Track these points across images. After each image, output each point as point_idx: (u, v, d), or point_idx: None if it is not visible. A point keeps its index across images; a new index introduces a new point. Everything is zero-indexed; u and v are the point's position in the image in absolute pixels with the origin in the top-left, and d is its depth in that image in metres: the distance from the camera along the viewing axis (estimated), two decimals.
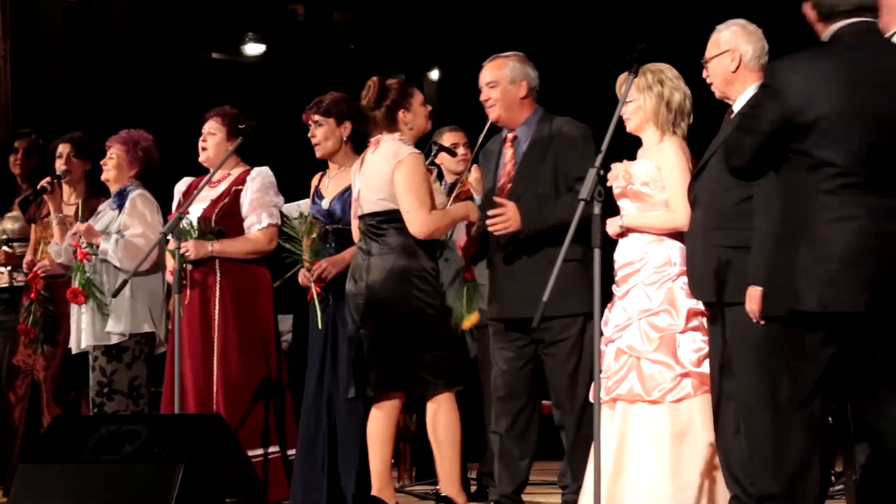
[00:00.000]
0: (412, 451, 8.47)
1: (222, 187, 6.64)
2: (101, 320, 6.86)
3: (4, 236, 7.79)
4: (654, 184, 5.60)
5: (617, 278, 5.69)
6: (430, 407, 5.79)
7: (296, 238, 6.34)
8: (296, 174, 7.53)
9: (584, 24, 11.08)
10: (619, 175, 5.65)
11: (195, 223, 6.52)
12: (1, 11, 10.01)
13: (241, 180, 6.63)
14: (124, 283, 6.31)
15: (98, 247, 6.90)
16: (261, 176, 6.61)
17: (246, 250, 6.55)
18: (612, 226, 5.66)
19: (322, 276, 6.22)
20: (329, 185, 6.43)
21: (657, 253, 5.59)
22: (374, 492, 5.81)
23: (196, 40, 11.38)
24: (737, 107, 5.23)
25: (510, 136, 6.02)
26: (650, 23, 10.14)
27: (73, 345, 7.06)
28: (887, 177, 4.20)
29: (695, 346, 5.50)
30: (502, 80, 5.96)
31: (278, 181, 6.67)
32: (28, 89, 9.98)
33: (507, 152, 6.00)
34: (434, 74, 12.40)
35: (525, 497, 6.12)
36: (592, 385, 5.58)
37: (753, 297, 4.76)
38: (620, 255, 5.68)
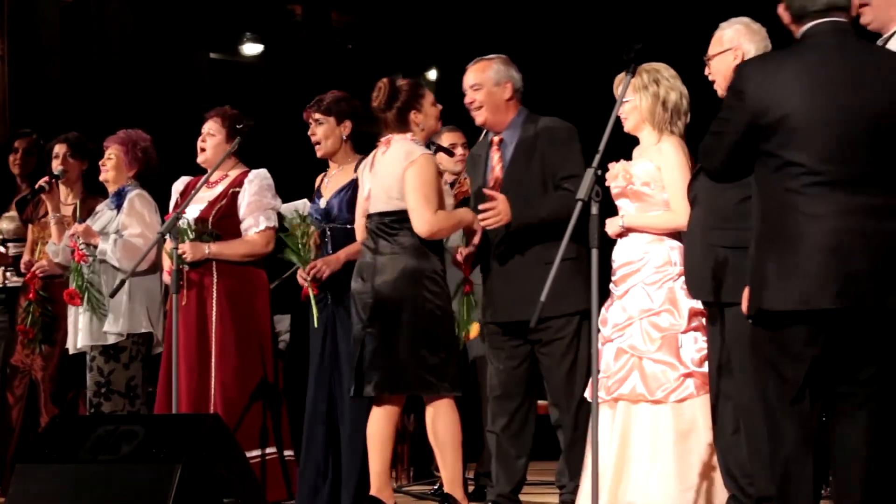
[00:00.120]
0: (410, 452, 8.48)
1: (220, 188, 6.63)
2: (98, 321, 6.87)
3: (0, 236, 7.79)
4: (655, 184, 5.60)
5: (615, 278, 5.68)
6: (430, 410, 5.79)
7: (292, 239, 6.35)
8: (294, 174, 7.54)
9: (582, 24, 11.07)
10: (619, 175, 5.66)
11: (192, 224, 6.51)
12: None
13: (238, 182, 6.62)
14: (122, 282, 6.31)
15: (96, 247, 6.90)
16: (258, 178, 6.61)
17: (243, 253, 6.54)
18: (613, 225, 5.66)
19: (316, 276, 6.22)
20: (328, 185, 6.43)
21: (657, 253, 5.59)
22: (372, 492, 5.81)
23: (194, 40, 11.38)
24: None
25: (496, 139, 6.03)
26: (648, 22, 10.13)
27: (70, 345, 7.06)
28: (855, 174, 4.21)
29: (697, 346, 5.50)
30: (487, 83, 5.97)
31: (276, 181, 6.67)
32: (26, 89, 9.98)
33: (494, 156, 6.01)
34: (432, 74, 12.39)
35: (523, 497, 6.12)
36: (589, 384, 5.60)
37: (746, 297, 4.78)
38: (619, 255, 5.68)
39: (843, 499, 4.30)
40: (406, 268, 5.69)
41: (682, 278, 5.48)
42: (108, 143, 7.12)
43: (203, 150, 6.64)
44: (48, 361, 7.33)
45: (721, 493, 5.38)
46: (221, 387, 6.42)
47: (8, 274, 7.75)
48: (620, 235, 5.69)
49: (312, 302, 6.26)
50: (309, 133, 6.41)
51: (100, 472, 5.29)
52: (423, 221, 5.66)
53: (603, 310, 5.61)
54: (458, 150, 7.12)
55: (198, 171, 6.72)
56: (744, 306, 4.85)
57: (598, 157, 4.73)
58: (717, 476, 5.38)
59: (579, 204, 4.62)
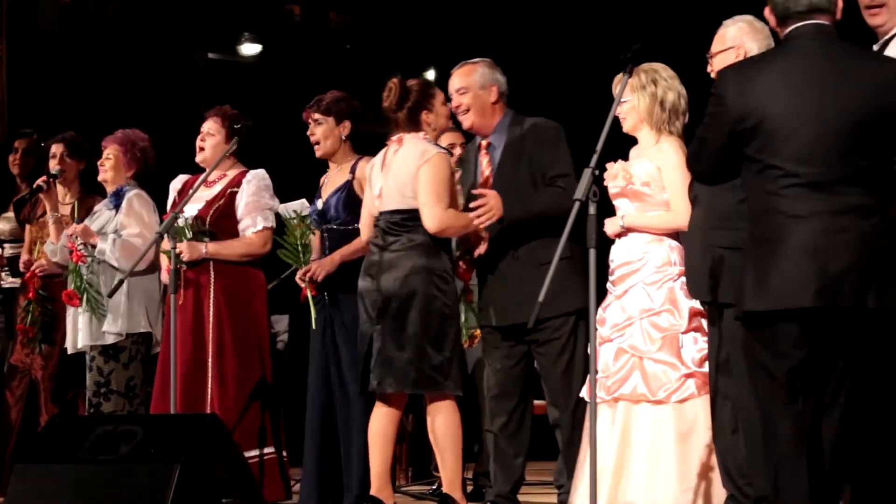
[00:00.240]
0: (408, 452, 8.48)
1: (218, 188, 6.63)
2: (97, 321, 6.87)
3: None
4: (655, 183, 5.60)
5: (613, 277, 5.68)
6: (432, 409, 5.79)
7: (292, 239, 6.35)
8: (292, 174, 7.54)
9: (580, 24, 11.08)
10: (619, 175, 5.65)
11: (190, 223, 6.51)
12: None
13: (236, 182, 6.62)
14: (120, 282, 6.31)
15: (94, 247, 6.90)
16: (256, 179, 6.61)
17: (240, 253, 6.54)
18: (612, 225, 5.66)
19: (312, 278, 6.22)
20: (326, 185, 6.44)
21: (657, 253, 5.59)
22: (372, 491, 5.81)
23: (192, 40, 11.37)
24: None
25: (484, 143, 6.05)
26: (647, 21, 10.14)
27: (69, 345, 7.06)
28: (833, 175, 4.24)
29: (697, 346, 5.50)
30: (472, 86, 5.99)
31: (274, 181, 6.67)
32: (25, 89, 9.98)
33: (483, 160, 6.04)
34: (430, 75, 12.39)
35: (521, 497, 6.13)
36: (586, 384, 5.60)
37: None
38: (618, 255, 5.68)
39: (819, 495, 4.33)
40: (416, 265, 5.69)
41: (683, 278, 5.48)
42: (107, 143, 7.12)
43: (202, 149, 6.64)
44: (48, 361, 7.33)
45: (720, 493, 5.37)
46: (219, 387, 6.42)
47: (3, 275, 7.75)
48: (619, 235, 5.69)
49: (311, 304, 6.27)
50: (308, 133, 6.41)
51: (98, 472, 5.30)
52: (433, 217, 5.67)
53: (600, 310, 5.60)
54: (457, 150, 7.12)
55: (196, 171, 6.72)
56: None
57: (595, 157, 4.73)
58: (716, 476, 5.38)
59: (577, 204, 4.62)
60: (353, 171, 6.32)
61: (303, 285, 6.27)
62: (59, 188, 7.40)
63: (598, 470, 4.83)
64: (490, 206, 5.78)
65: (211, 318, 6.47)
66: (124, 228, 6.91)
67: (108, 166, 7.08)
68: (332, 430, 6.32)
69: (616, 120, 5.09)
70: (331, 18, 12.35)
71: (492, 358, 6.03)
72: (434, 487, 7.56)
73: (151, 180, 7.16)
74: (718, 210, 5.17)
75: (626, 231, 5.66)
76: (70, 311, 7.03)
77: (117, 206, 6.99)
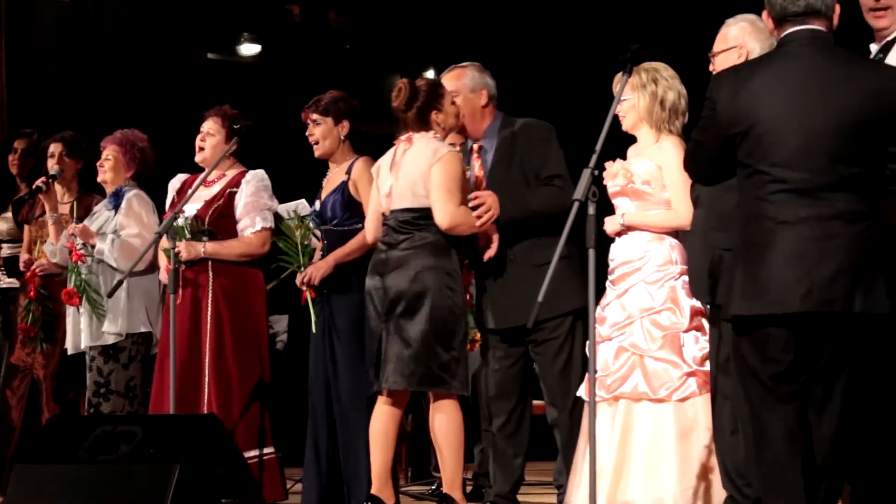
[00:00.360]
0: (408, 452, 8.48)
1: (217, 188, 6.63)
2: (97, 321, 6.86)
3: None
4: (655, 182, 5.60)
5: (613, 277, 5.68)
6: (435, 408, 5.80)
7: (290, 240, 6.35)
8: (292, 174, 7.53)
9: (580, 24, 11.08)
10: (619, 174, 5.65)
11: (189, 223, 6.51)
12: None
13: (235, 182, 6.61)
14: (119, 282, 6.31)
15: (94, 247, 6.90)
16: (255, 179, 6.60)
17: (238, 253, 6.53)
18: (612, 224, 5.66)
19: (309, 283, 6.23)
20: (326, 185, 6.43)
21: (658, 251, 5.59)
22: (373, 490, 5.81)
23: (192, 40, 11.37)
24: None
25: (475, 146, 6.06)
26: (648, 21, 10.14)
27: (69, 345, 7.06)
28: (820, 182, 4.25)
29: (699, 345, 5.50)
30: (462, 90, 6.02)
31: (273, 181, 6.67)
32: (24, 89, 9.97)
33: (475, 164, 6.06)
34: (430, 75, 12.39)
35: (520, 497, 6.13)
36: (584, 383, 5.60)
37: None
38: (618, 254, 5.67)
39: (812, 497, 4.34)
40: (426, 264, 5.71)
41: (684, 277, 5.48)
42: (106, 143, 7.11)
43: (202, 148, 6.63)
44: (49, 360, 7.33)
45: (719, 493, 5.37)
46: (217, 387, 6.41)
47: (0, 275, 7.75)
48: (619, 234, 5.69)
49: (311, 307, 6.27)
50: (307, 133, 6.41)
51: (98, 472, 5.30)
52: (445, 214, 5.68)
53: (599, 309, 5.60)
54: (457, 150, 7.13)
55: (195, 170, 6.71)
56: None
57: (595, 156, 4.73)
58: (716, 476, 5.37)
59: (576, 204, 4.62)
60: (349, 171, 6.32)
61: (304, 289, 6.28)
62: (58, 188, 7.39)
63: (598, 469, 4.82)
64: (489, 205, 5.80)
65: (209, 318, 6.46)
66: (123, 229, 6.91)
67: (108, 167, 7.07)
68: (332, 431, 6.31)
69: (614, 119, 5.08)
70: (330, 18, 12.35)
71: (490, 359, 6.03)
72: (434, 487, 7.56)
73: (151, 180, 7.15)
74: (719, 211, 5.18)
75: (626, 230, 5.65)
76: (70, 311, 7.03)
77: (116, 207, 6.98)
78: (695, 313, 5.52)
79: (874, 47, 4.96)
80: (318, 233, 6.42)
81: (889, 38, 4.89)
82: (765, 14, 4.46)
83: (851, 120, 4.24)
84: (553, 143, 5.97)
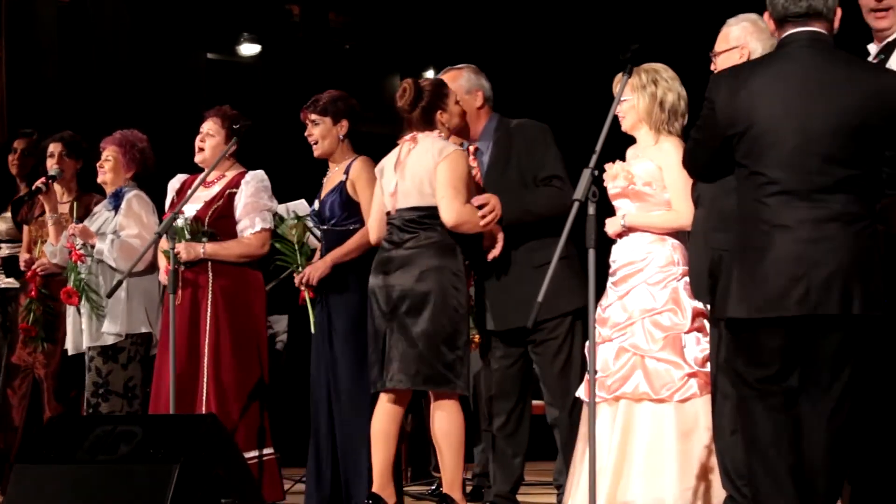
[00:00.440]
0: (408, 452, 8.48)
1: (216, 188, 6.62)
2: (97, 321, 6.86)
3: None
4: (656, 183, 5.60)
5: (615, 278, 5.67)
6: (436, 407, 5.80)
7: (288, 240, 6.35)
8: (292, 174, 7.53)
9: (580, 25, 11.08)
10: (620, 175, 5.65)
11: (188, 223, 6.50)
12: None
13: (235, 183, 6.61)
14: (119, 283, 6.31)
15: (93, 247, 6.90)
16: (255, 180, 6.60)
17: (238, 254, 6.53)
18: (613, 225, 5.66)
19: (306, 283, 6.23)
20: (325, 185, 6.43)
21: (660, 252, 5.59)
22: (374, 489, 5.82)
23: (191, 40, 11.37)
24: None
25: (471, 148, 6.07)
26: (648, 21, 10.14)
27: (69, 346, 7.05)
28: (816, 184, 4.25)
29: (700, 346, 5.49)
30: (458, 91, 6.04)
31: (273, 181, 6.67)
32: (24, 89, 9.97)
33: (472, 165, 6.04)
34: (429, 75, 12.39)
35: (520, 497, 6.13)
36: (583, 383, 5.60)
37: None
38: (620, 255, 5.67)
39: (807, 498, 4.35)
40: (432, 263, 5.72)
41: (686, 278, 5.48)
42: (105, 144, 7.11)
43: (201, 149, 6.63)
44: (50, 359, 7.33)
45: (719, 493, 5.37)
46: (216, 387, 6.40)
47: None
48: (620, 235, 5.69)
49: (309, 307, 6.27)
50: (306, 134, 6.41)
51: (98, 472, 5.30)
52: (451, 211, 5.69)
53: (600, 310, 5.60)
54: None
55: (194, 171, 6.71)
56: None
57: (594, 157, 4.73)
58: (715, 476, 5.37)
59: (576, 204, 4.62)
60: (347, 171, 6.31)
61: (302, 289, 6.28)
62: (57, 188, 7.39)
63: (597, 470, 4.82)
64: (492, 206, 5.80)
65: (208, 319, 6.46)
66: (123, 229, 6.91)
67: (108, 168, 7.07)
68: (333, 431, 6.31)
69: (614, 119, 5.08)
70: (330, 19, 12.35)
71: (489, 359, 6.04)
72: (434, 487, 7.56)
73: (150, 181, 7.15)
74: (719, 211, 5.17)
75: (627, 231, 5.65)
76: (70, 311, 7.02)
77: (116, 207, 6.98)
78: (696, 314, 5.51)
79: (872, 48, 4.96)
80: (318, 232, 6.43)
81: (890, 39, 4.88)
82: (766, 14, 4.47)
83: (850, 122, 4.24)
84: (550, 143, 5.98)
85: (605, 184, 5.63)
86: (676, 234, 5.61)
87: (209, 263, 6.50)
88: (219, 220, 6.54)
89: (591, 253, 4.63)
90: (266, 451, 6.47)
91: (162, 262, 6.58)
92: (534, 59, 11.18)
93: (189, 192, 6.43)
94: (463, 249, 5.85)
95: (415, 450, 8.42)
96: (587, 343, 5.40)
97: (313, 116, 6.37)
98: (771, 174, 4.27)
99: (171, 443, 5.24)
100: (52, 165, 7.36)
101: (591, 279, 4.66)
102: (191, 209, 6.52)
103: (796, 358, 4.32)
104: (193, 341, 6.44)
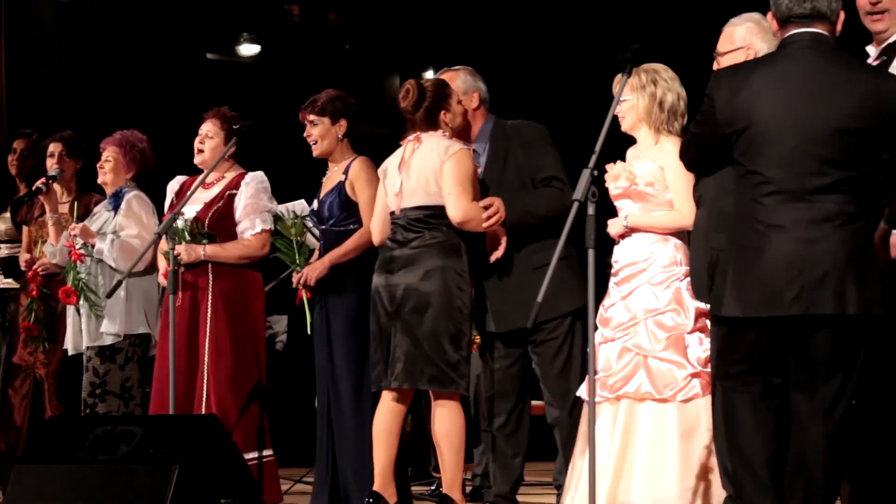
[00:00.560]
0: (408, 452, 8.48)
1: (216, 190, 6.62)
2: (95, 321, 6.86)
3: None
4: (658, 183, 5.59)
5: (617, 279, 5.66)
6: (437, 406, 5.80)
7: (286, 237, 6.35)
8: (291, 175, 7.53)
9: (580, 25, 11.08)
10: (622, 176, 5.64)
11: (188, 225, 6.50)
12: None
13: (235, 184, 6.61)
14: (118, 283, 6.31)
15: (93, 247, 6.90)
16: (255, 181, 6.60)
17: (238, 255, 6.53)
18: (615, 226, 5.66)
19: (304, 284, 6.23)
20: (324, 185, 6.43)
21: (663, 253, 5.58)
22: (375, 487, 5.82)
23: (191, 40, 11.38)
24: None
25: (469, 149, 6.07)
26: (648, 20, 10.14)
27: (69, 346, 7.05)
28: (812, 185, 4.26)
29: (702, 346, 5.48)
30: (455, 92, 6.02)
31: (273, 182, 6.66)
32: (23, 89, 9.97)
33: None
34: (429, 75, 12.40)
35: (520, 497, 6.13)
36: (584, 383, 5.60)
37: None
38: (623, 255, 5.66)
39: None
40: (436, 263, 5.73)
41: (689, 278, 5.48)
42: (105, 145, 7.11)
43: (201, 151, 6.62)
44: (51, 358, 7.33)
45: (719, 493, 5.37)
46: (216, 388, 6.40)
47: None
48: (622, 236, 5.68)
49: (306, 308, 6.27)
50: (305, 134, 6.41)
51: (98, 472, 5.30)
52: (457, 208, 5.70)
53: (602, 310, 5.60)
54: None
55: (194, 171, 6.71)
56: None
57: (594, 157, 4.74)
58: (715, 476, 5.37)
59: (575, 205, 4.63)
60: (346, 171, 6.31)
61: (300, 289, 6.28)
62: (57, 188, 7.39)
63: (598, 470, 4.82)
64: (497, 208, 5.80)
65: (208, 320, 6.46)
66: (123, 229, 6.91)
67: (108, 168, 7.07)
68: (333, 431, 6.31)
69: (614, 120, 5.08)
70: (330, 19, 12.36)
71: (489, 359, 6.04)
72: (433, 488, 7.56)
73: (150, 181, 7.15)
74: (719, 212, 5.17)
75: (629, 231, 5.65)
76: (70, 312, 7.02)
77: (116, 208, 6.98)
78: (699, 314, 5.51)
79: (871, 49, 4.96)
80: (317, 232, 6.43)
81: (890, 41, 4.88)
82: (769, 14, 4.47)
83: (849, 124, 4.24)
84: (547, 144, 5.98)
85: (606, 184, 5.63)
86: (679, 234, 5.61)
87: (209, 265, 6.49)
88: (219, 222, 6.54)
89: (591, 253, 4.64)
90: (265, 452, 6.46)
91: (161, 263, 6.58)
92: (533, 59, 11.18)
93: (188, 193, 6.42)
94: (467, 250, 5.86)
95: (415, 450, 8.42)
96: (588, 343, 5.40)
97: (311, 117, 6.37)
98: (768, 174, 4.27)
99: (171, 443, 5.24)
100: (52, 165, 7.36)
101: (590, 279, 4.66)
102: (190, 210, 6.52)
103: (787, 357, 4.32)
104: (193, 342, 6.44)
